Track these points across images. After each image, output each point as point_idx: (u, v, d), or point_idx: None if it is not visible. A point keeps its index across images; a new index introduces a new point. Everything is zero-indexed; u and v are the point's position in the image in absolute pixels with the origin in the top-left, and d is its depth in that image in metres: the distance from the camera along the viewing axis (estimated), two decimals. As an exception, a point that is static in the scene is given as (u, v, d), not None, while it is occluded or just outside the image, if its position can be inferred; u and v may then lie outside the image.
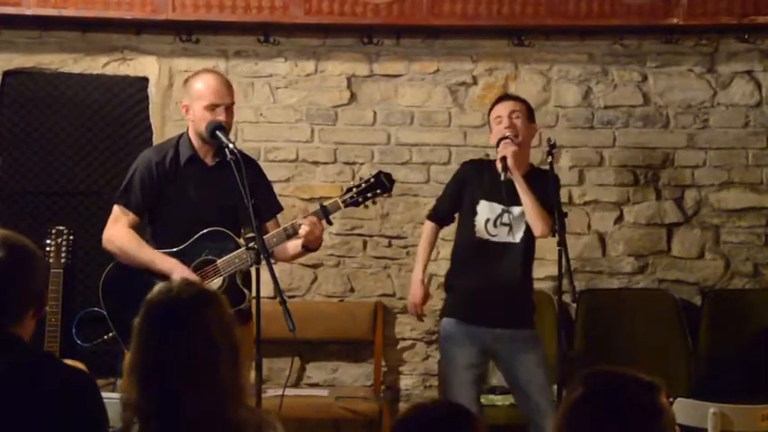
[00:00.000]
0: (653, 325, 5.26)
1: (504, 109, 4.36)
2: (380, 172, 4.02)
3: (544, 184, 4.24)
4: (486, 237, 4.31)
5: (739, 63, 5.46)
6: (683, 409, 3.57)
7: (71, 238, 4.81)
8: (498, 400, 4.82)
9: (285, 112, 5.46)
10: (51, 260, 4.72)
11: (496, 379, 5.05)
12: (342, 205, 3.96)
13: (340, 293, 5.48)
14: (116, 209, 4.01)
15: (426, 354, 5.48)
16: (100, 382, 5.58)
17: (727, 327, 5.24)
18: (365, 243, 5.48)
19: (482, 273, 4.30)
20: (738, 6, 5.21)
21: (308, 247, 3.97)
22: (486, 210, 4.33)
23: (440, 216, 4.54)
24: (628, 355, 4.97)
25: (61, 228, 4.81)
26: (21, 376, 2.19)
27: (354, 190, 3.97)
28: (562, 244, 4.03)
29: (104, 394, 2.32)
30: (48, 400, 2.18)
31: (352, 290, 5.48)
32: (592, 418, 1.95)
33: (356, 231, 5.46)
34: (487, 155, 5.04)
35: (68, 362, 4.76)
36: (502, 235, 4.32)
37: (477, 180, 4.39)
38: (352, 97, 5.47)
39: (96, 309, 4.00)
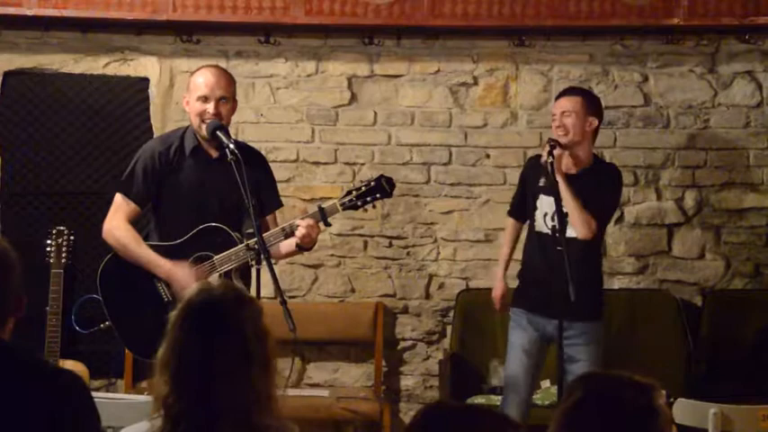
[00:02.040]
0: (653, 325, 5.26)
1: (556, 108, 4.41)
2: (381, 176, 3.95)
3: (602, 178, 4.35)
4: (546, 230, 4.34)
5: (740, 63, 5.46)
6: (683, 409, 3.57)
7: (71, 238, 4.81)
8: (498, 400, 4.80)
9: (286, 113, 5.45)
10: (52, 260, 4.73)
11: (497, 379, 5.05)
12: (340, 209, 3.91)
13: (341, 294, 5.48)
14: (117, 197, 4.01)
15: (427, 354, 5.48)
16: (99, 382, 5.59)
17: (728, 327, 5.24)
18: (366, 243, 5.47)
19: (541, 265, 4.33)
20: (739, 7, 5.20)
21: (303, 247, 3.96)
22: (544, 204, 4.37)
23: (515, 212, 4.64)
24: (628, 356, 4.96)
25: (62, 228, 4.81)
26: (7, 378, 2.16)
27: (354, 193, 3.91)
28: (563, 245, 4.04)
29: (104, 394, 2.30)
30: (35, 400, 2.14)
31: (352, 290, 5.48)
32: (589, 422, 1.95)
33: (357, 232, 5.46)
34: (488, 155, 5.04)
35: (69, 363, 4.77)
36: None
37: (537, 175, 4.42)
38: (353, 98, 5.46)
39: (95, 296, 4.00)
